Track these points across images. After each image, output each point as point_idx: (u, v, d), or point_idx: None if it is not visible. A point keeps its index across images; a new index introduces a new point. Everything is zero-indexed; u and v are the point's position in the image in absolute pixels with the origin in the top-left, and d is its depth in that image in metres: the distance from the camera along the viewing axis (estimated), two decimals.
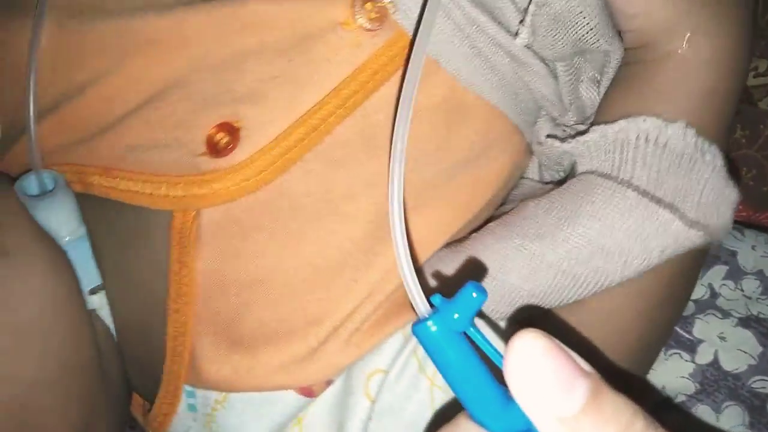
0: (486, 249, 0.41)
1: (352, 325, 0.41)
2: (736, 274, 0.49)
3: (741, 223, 0.56)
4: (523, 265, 0.40)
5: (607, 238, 0.38)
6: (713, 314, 0.48)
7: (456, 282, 0.41)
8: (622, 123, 0.39)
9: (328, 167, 0.40)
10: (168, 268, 0.41)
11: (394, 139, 0.29)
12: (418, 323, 0.24)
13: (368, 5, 0.39)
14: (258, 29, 0.40)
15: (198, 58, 0.40)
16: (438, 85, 0.41)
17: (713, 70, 0.39)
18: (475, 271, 0.41)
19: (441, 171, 0.42)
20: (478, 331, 0.25)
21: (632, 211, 0.38)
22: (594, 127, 0.40)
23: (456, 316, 0.24)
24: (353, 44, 0.40)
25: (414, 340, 0.42)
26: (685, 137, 0.38)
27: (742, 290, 0.49)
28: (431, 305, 0.26)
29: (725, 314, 0.48)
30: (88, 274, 0.44)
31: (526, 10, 0.40)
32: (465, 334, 0.25)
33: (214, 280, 0.41)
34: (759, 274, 0.49)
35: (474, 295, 0.24)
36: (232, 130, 0.40)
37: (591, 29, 0.40)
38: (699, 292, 0.50)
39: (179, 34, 0.40)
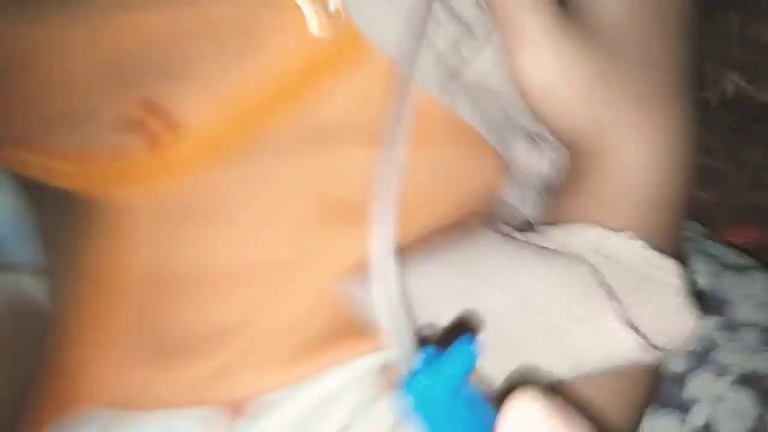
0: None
1: (292, 336, 0.35)
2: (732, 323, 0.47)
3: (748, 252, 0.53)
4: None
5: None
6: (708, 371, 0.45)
7: None
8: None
9: (265, 157, 0.35)
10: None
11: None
12: (411, 379, 0.22)
13: None
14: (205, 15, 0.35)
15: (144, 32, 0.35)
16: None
17: (657, 173, 0.35)
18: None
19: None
20: (473, 390, 0.22)
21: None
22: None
23: (449, 371, 0.22)
24: (301, 29, 0.35)
25: (377, 384, 0.37)
26: (630, 248, 0.33)
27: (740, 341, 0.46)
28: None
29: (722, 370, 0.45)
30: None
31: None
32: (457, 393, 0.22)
33: (138, 274, 0.35)
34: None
35: (471, 348, 0.22)
36: (161, 112, 0.34)
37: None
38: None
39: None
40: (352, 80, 0.35)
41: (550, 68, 0.34)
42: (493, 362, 0.32)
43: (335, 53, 0.35)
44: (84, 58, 0.35)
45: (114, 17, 0.34)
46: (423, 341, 0.23)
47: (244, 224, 0.36)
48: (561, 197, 0.38)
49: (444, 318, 0.33)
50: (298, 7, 0.34)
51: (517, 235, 0.35)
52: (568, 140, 0.36)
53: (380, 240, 0.26)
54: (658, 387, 0.43)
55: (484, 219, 0.39)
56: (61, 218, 0.37)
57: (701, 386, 0.44)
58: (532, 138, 0.40)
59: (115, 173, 0.34)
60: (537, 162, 0.38)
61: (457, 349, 0.22)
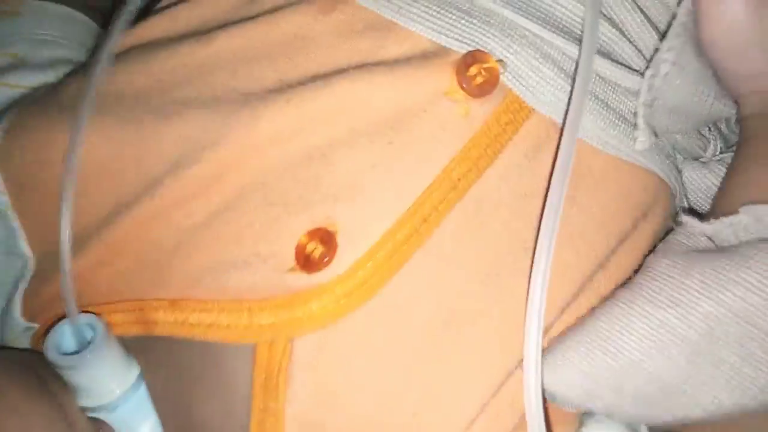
0: (605, 317, 0.32)
1: None
2: None
3: None
4: (646, 336, 0.31)
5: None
6: None
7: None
8: None
9: (440, 266, 0.32)
10: (250, 418, 0.31)
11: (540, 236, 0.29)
12: None
13: (473, 68, 0.32)
14: (348, 114, 0.32)
15: (275, 157, 0.32)
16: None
17: None
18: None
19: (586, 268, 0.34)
20: None
21: None
22: (744, 208, 0.33)
23: None
24: (461, 115, 0.32)
25: None
26: None
27: None
28: None
29: None
30: (146, 429, 0.34)
31: (634, 113, 0.35)
32: None
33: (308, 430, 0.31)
34: None
35: None
36: (326, 237, 0.31)
37: (712, 103, 0.37)
38: None
39: (252, 133, 0.32)
40: (513, 151, 0.33)
41: (742, 19, 0.34)
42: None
43: (497, 126, 0.33)
44: (237, 193, 0.33)
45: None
46: None
47: (428, 363, 0.32)
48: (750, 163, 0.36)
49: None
50: (447, 95, 0.33)
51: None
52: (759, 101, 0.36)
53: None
54: None
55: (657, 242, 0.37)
56: (191, 377, 0.33)
57: None
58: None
59: (286, 317, 0.31)
60: (698, 224, 0.35)
61: None
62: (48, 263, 0.36)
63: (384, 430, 0.31)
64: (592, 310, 0.33)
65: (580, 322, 0.33)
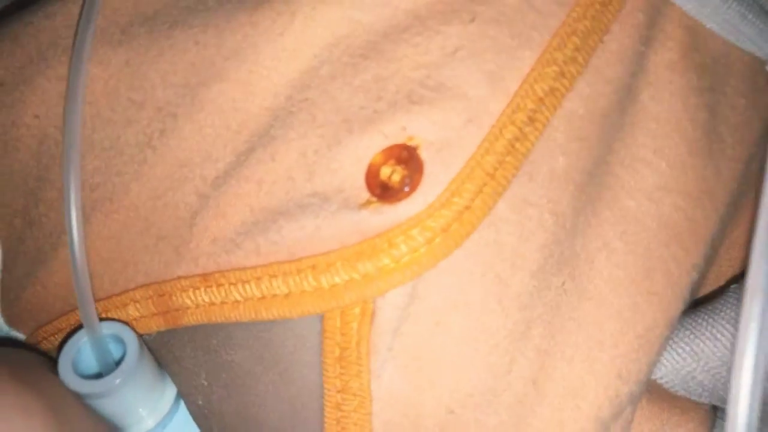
0: None
1: None
2: None
3: None
4: None
5: None
6: None
7: None
8: None
9: (552, 185, 0.23)
10: (323, 401, 0.23)
11: None
12: None
13: None
14: None
15: (317, 61, 0.24)
16: (670, 35, 0.25)
17: None
18: None
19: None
20: None
21: None
22: None
23: None
24: None
25: None
26: None
27: None
28: None
29: None
30: None
31: None
32: None
33: (401, 411, 0.22)
34: None
35: None
36: (405, 155, 0.22)
37: None
38: None
39: (287, 33, 0.24)
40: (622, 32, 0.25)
41: None
42: None
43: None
44: (272, 118, 0.25)
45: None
46: None
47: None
48: None
49: None
50: None
51: None
52: None
53: None
54: None
55: None
56: (238, 368, 0.24)
57: None
58: None
59: (368, 269, 0.22)
60: None
61: None
62: (22, 248, 0.27)
63: (497, 399, 0.22)
64: None
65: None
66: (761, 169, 0.21)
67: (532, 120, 0.22)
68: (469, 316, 0.22)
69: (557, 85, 0.23)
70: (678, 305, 0.24)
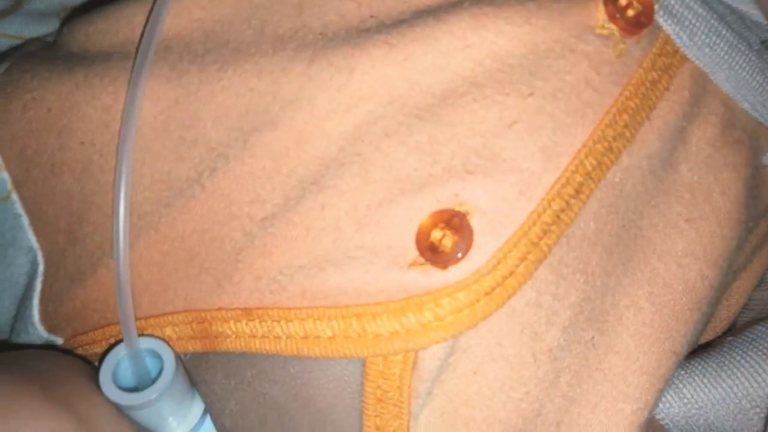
0: None
1: None
2: None
3: None
4: None
5: None
6: None
7: None
8: None
9: (585, 252, 0.24)
10: None
11: None
12: None
13: None
14: (467, 59, 0.24)
15: (372, 117, 0.24)
16: (712, 111, 0.27)
17: None
18: None
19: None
20: None
21: None
22: None
23: None
24: (615, 54, 0.25)
25: None
26: None
27: None
28: None
29: None
30: None
31: None
32: None
33: None
34: None
35: None
36: (456, 221, 0.23)
37: None
38: None
39: (347, 85, 0.25)
40: (669, 109, 0.26)
41: None
42: None
43: (655, 70, 0.26)
44: (323, 166, 0.25)
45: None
46: None
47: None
48: None
49: None
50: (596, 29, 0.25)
51: None
52: None
53: None
54: None
55: None
56: (276, 403, 0.26)
57: None
58: None
59: (411, 324, 0.24)
60: None
61: None
62: (63, 263, 0.28)
63: None
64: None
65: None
66: None
67: (578, 192, 0.24)
68: (505, 367, 0.24)
69: (605, 160, 0.24)
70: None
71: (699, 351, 0.28)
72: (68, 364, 0.26)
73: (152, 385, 0.24)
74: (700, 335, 0.28)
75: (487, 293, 0.23)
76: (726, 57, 0.26)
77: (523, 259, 0.23)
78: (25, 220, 0.29)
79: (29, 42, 0.34)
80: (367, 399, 0.24)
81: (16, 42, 0.34)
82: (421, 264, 0.23)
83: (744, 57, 0.26)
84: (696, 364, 0.27)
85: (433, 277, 0.23)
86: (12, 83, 0.29)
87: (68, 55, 0.29)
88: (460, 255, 0.23)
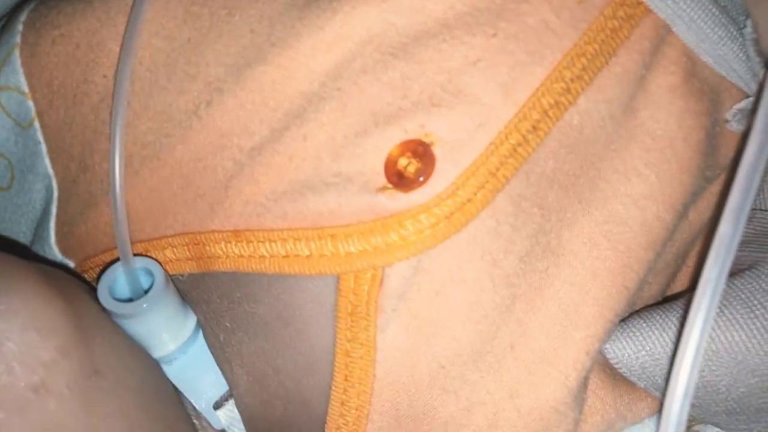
0: None
1: None
2: None
3: None
4: None
5: None
6: None
7: None
8: None
9: (542, 186, 0.26)
10: (334, 350, 0.27)
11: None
12: None
13: None
14: (441, 0, 0.27)
15: (351, 55, 0.27)
16: (673, 60, 0.28)
17: None
18: None
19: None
20: None
21: None
22: None
23: None
24: (576, 0, 0.27)
25: None
26: None
27: None
28: None
29: None
30: (207, 383, 0.30)
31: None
32: None
33: (400, 362, 0.26)
34: None
35: None
36: (421, 150, 0.25)
37: None
38: None
39: (327, 27, 0.27)
40: (628, 56, 0.28)
41: None
42: None
43: (616, 17, 0.27)
44: (305, 101, 0.27)
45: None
46: None
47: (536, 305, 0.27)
48: None
49: None
50: None
51: None
52: None
53: None
54: None
55: None
56: (261, 317, 0.28)
57: None
58: None
59: (378, 243, 0.26)
60: None
61: None
62: (75, 190, 0.30)
63: (481, 359, 0.26)
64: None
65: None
66: (730, 178, 0.24)
67: (535, 129, 0.26)
68: (465, 289, 0.26)
69: (562, 100, 0.26)
70: (635, 299, 0.28)
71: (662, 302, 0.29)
72: (71, 277, 0.29)
73: (143, 297, 0.27)
74: (665, 287, 0.30)
75: (446, 217, 0.25)
76: (688, 10, 0.27)
77: (481, 187, 0.25)
78: (43, 148, 0.31)
79: None
80: (339, 313, 0.26)
81: None
82: (388, 188, 0.25)
83: (706, 11, 0.28)
84: (657, 316, 0.28)
85: (398, 200, 0.25)
86: (41, 19, 0.31)
87: None
88: (422, 179, 0.25)
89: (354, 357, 0.26)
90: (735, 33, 0.28)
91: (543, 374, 0.26)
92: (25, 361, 0.24)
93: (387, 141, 0.25)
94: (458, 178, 0.25)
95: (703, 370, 0.26)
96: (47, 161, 0.31)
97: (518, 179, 0.26)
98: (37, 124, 0.31)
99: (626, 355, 0.27)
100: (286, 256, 0.26)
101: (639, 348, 0.27)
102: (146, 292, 0.27)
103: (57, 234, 0.31)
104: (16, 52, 0.31)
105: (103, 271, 0.28)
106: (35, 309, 0.25)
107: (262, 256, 0.26)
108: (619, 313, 0.27)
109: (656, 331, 0.27)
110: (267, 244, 0.26)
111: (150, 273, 0.27)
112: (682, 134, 0.27)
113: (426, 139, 0.25)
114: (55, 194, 0.31)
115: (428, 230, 0.25)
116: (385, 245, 0.25)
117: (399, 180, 0.25)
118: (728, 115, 0.29)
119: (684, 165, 0.27)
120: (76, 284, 0.28)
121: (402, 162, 0.25)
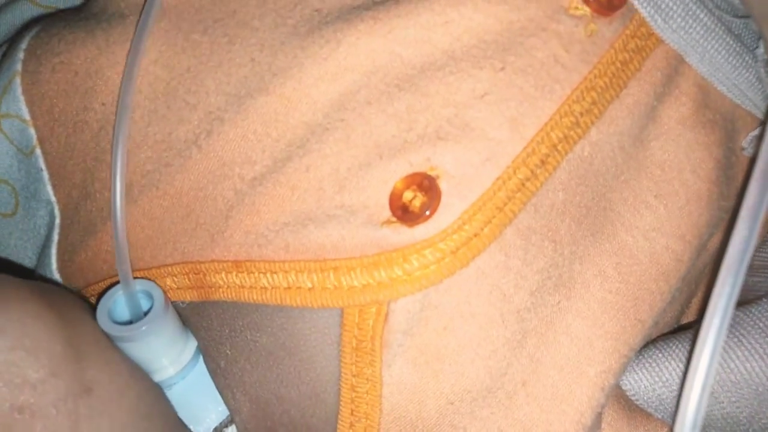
0: None
1: None
2: None
3: None
4: None
5: None
6: None
7: None
8: None
9: (552, 220, 0.26)
10: (340, 383, 0.27)
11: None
12: None
13: None
14: (446, 33, 0.26)
15: (355, 86, 0.27)
16: (684, 91, 0.28)
17: None
18: None
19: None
20: None
21: None
22: None
23: None
24: (586, 34, 0.26)
25: None
26: None
27: None
28: None
29: None
30: (208, 409, 0.30)
31: None
32: None
33: (408, 397, 0.26)
34: None
35: None
36: (426, 184, 0.25)
37: None
38: None
39: (331, 57, 0.27)
40: (639, 88, 0.27)
41: None
42: None
43: (626, 51, 0.27)
44: (309, 131, 0.27)
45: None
46: None
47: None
48: None
49: None
50: (568, 10, 0.27)
51: None
52: None
53: None
54: None
55: None
56: (264, 347, 0.28)
57: None
58: None
59: (382, 277, 0.26)
60: None
61: None
62: (77, 217, 0.30)
63: (491, 396, 0.26)
64: None
65: None
66: (737, 205, 0.24)
67: (543, 163, 0.25)
68: (474, 324, 0.26)
69: (571, 134, 0.26)
70: (652, 332, 0.28)
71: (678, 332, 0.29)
72: (72, 296, 0.29)
73: (143, 319, 0.27)
74: (680, 314, 0.30)
75: (452, 252, 0.25)
76: (701, 40, 0.27)
77: (488, 222, 0.25)
78: (45, 175, 0.31)
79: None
80: (344, 347, 0.26)
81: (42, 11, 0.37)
82: (393, 222, 0.25)
83: (720, 40, 0.28)
84: (672, 345, 0.28)
85: (402, 234, 0.25)
86: (41, 46, 0.31)
87: (89, 17, 0.31)
88: (428, 213, 0.25)
89: (360, 392, 0.26)
90: (749, 61, 0.28)
91: (557, 412, 0.26)
92: (11, 382, 0.24)
93: (392, 174, 0.25)
94: (465, 213, 0.25)
95: (723, 402, 0.26)
96: (49, 188, 0.31)
97: (527, 212, 0.26)
98: (38, 151, 0.31)
99: (642, 386, 0.27)
100: (288, 288, 0.26)
101: (655, 379, 0.27)
102: (146, 314, 0.27)
103: (58, 261, 0.31)
104: (17, 80, 0.31)
105: (103, 293, 0.28)
106: (24, 327, 0.25)
107: (264, 287, 0.26)
108: (634, 347, 0.27)
109: (672, 362, 0.27)
110: (268, 275, 0.26)
111: (150, 296, 0.27)
112: (691, 166, 0.27)
113: (432, 173, 0.25)
114: (57, 221, 0.31)
115: (434, 265, 0.25)
116: (389, 280, 0.25)
117: (404, 214, 0.25)
118: (744, 143, 0.29)
119: (693, 196, 0.27)
120: (73, 300, 0.28)
121: (407, 195, 0.25)
